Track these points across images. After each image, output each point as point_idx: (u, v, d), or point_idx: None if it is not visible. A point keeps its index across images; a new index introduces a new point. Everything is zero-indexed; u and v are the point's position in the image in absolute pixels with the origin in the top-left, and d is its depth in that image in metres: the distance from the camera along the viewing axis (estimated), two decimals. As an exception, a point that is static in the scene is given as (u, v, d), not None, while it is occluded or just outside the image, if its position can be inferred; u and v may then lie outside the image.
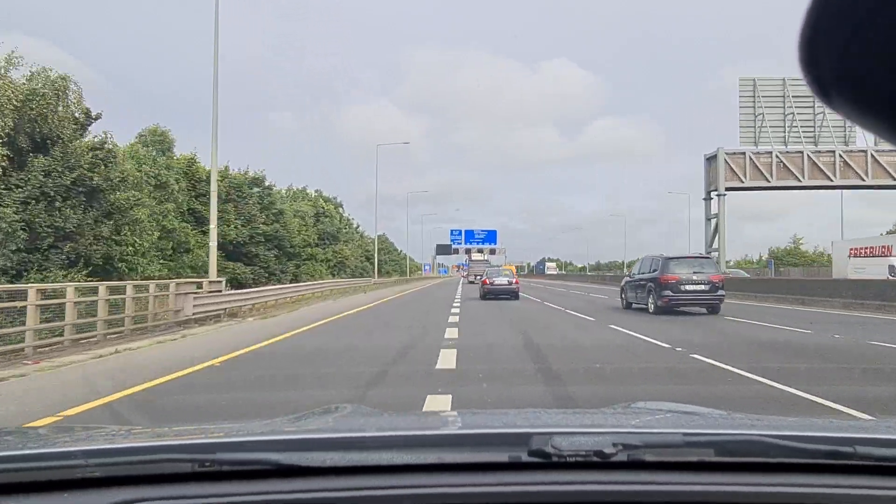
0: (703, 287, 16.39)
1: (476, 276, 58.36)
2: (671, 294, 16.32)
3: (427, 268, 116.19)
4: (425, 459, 1.27)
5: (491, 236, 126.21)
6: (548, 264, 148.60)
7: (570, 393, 6.34)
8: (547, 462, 1.24)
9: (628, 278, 20.04)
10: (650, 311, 16.81)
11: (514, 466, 1.26)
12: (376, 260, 57.61)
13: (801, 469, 1.27)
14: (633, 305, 18.62)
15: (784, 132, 41.98)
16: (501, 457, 1.27)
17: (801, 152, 41.30)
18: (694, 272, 16.57)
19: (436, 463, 1.26)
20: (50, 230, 17.12)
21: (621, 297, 20.00)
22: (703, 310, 16.79)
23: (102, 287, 12.31)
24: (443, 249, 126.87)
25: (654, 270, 17.17)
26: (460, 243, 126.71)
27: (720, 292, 16.58)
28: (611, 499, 1.21)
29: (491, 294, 25.18)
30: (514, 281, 26.02)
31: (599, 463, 1.24)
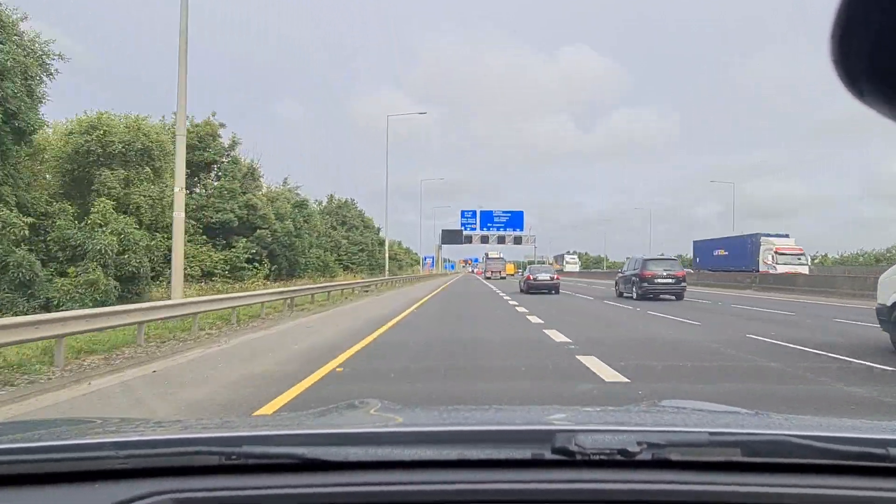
0: (671, 280, 22.26)
1: (493, 272, 74.33)
2: (648, 285, 22.20)
3: (429, 261, 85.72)
4: (448, 455, 1.26)
5: (516, 220, 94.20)
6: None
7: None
8: (570, 460, 1.23)
9: (620, 274, 26.24)
10: (634, 297, 22.56)
11: (537, 464, 1.25)
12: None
13: (831, 470, 1.24)
14: (624, 294, 24.27)
15: None
16: (524, 454, 1.26)
17: None
18: (664, 269, 22.56)
19: (458, 459, 1.26)
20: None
21: (615, 288, 26.21)
22: (673, 297, 22.25)
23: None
24: (451, 237, 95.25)
25: (637, 268, 23.26)
26: (474, 228, 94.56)
27: (683, 284, 22.64)
28: (635, 498, 1.20)
29: (534, 289, 27.84)
30: (555, 277, 28.83)
31: (623, 462, 1.23)
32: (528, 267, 33.90)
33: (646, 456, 1.22)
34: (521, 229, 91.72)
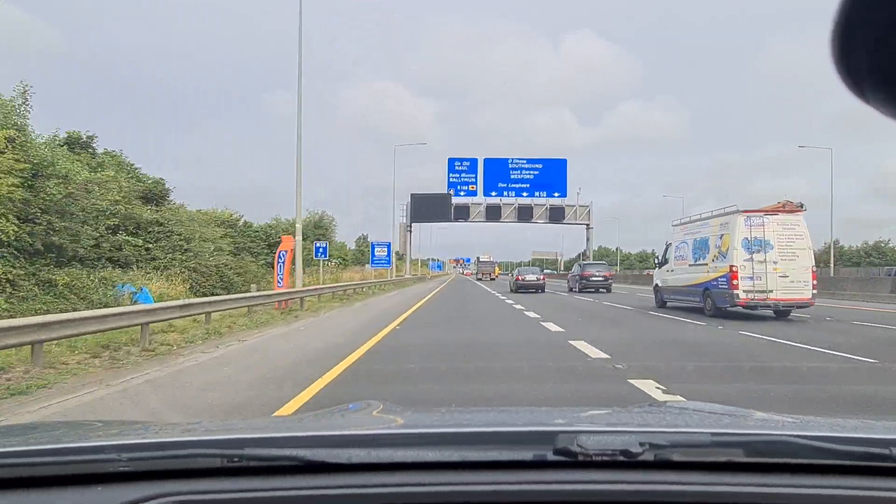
0: (601, 278, 31.00)
1: (483, 273, 72.08)
2: (586, 282, 31.02)
3: (378, 254, 41.74)
4: (449, 457, 1.25)
5: (552, 175, 50.21)
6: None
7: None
8: (572, 461, 1.22)
9: (571, 274, 35.34)
10: (576, 290, 31.41)
11: (539, 465, 1.24)
12: None
13: (834, 471, 1.23)
14: (573, 289, 32.27)
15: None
16: (526, 455, 1.25)
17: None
18: (597, 271, 31.92)
19: (460, 461, 1.25)
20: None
21: (567, 284, 35.03)
22: (605, 290, 30.87)
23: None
24: (429, 208, 51.22)
25: (579, 270, 32.90)
26: (474, 192, 49.56)
27: (609, 281, 31.44)
28: (637, 499, 1.19)
29: (522, 288, 31.62)
30: (541, 277, 32.98)
31: (626, 462, 1.22)
32: (517, 269, 38.90)
33: (648, 457, 1.22)
34: (563, 194, 48.83)
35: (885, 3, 0.55)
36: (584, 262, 36.09)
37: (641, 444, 1.21)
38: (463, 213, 50.26)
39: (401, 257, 56.16)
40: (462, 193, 49.95)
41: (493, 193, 49.68)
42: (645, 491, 1.18)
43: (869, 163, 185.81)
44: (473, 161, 49.64)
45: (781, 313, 14.31)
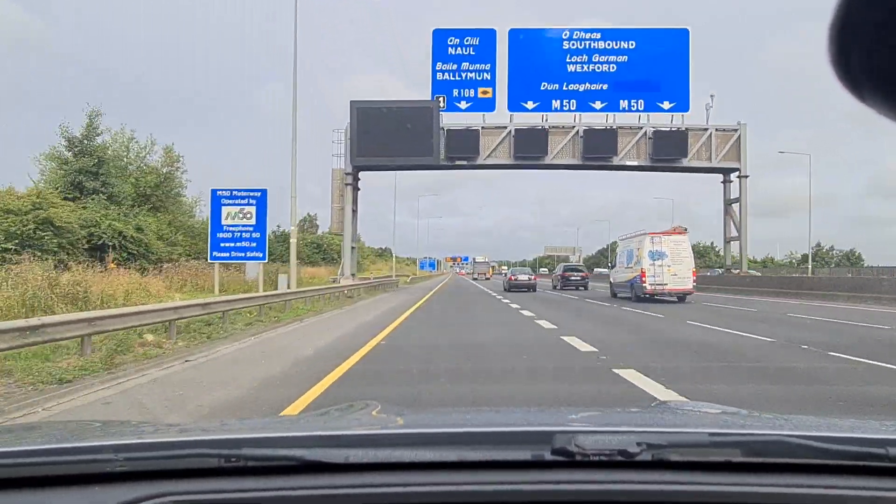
0: (578, 278, 35.29)
1: (479, 273, 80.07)
2: (566, 281, 35.16)
3: (229, 227, 16.78)
4: (447, 457, 1.26)
5: (657, 60, 19.79)
6: None
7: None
8: (570, 461, 1.23)
9: (555, 274, 40.25)
10: (558, 288, 35.25)
11: (537, 465, 1.25)
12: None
13: (831, 470, 1.24)
14: (556, 288, 35.95)
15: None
16: (524, 455, 1.26)
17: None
18: (574, 271, 37.15)
19: (458, 461, 1.26)
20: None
21: (552, 284, 39.18)
22: (583, 288, 34.63)
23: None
24: (393, 136, 21.88)
25: (560, 271, 38.02)
26: (487, 101, 20.67)
27: (586, 280, 35.66)
28: (635, 499, 1.21)
29: (515, 287, 33.67)
30: (532, 277, 35.75)
31: (623, 462, 1.23)
32: (511, 269, 43.29)
33: (645, 456, 1.22)
34: (683, 105, 21.33)
35: (884, 3, 0.55)
36: (566, 265, 42.55)
37: (639, 444, 1.22)
38: (465, 147, 24.88)
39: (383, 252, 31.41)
40: (463, 105, 24.70)
41: (529, 104, 24.42)
42: (642, 491, 1.20)
43: (871, 160, 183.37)
44: (487, 36, 24.36)
45: (680, 299, 21.72)
